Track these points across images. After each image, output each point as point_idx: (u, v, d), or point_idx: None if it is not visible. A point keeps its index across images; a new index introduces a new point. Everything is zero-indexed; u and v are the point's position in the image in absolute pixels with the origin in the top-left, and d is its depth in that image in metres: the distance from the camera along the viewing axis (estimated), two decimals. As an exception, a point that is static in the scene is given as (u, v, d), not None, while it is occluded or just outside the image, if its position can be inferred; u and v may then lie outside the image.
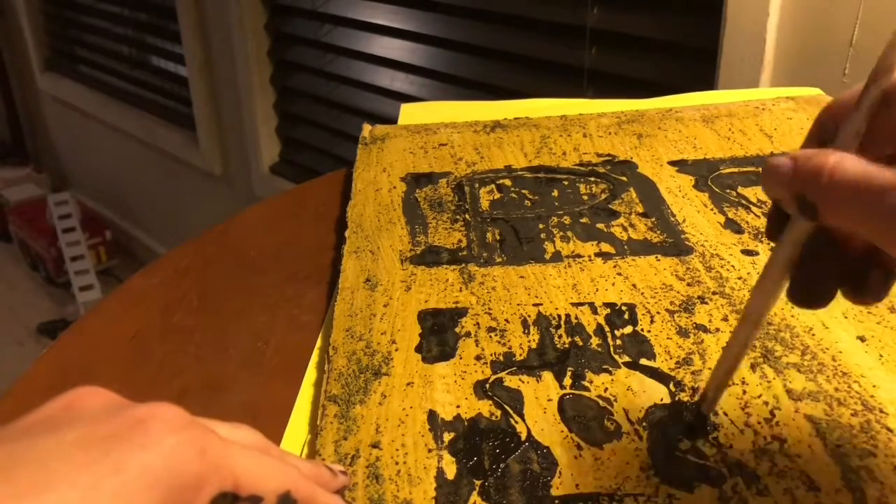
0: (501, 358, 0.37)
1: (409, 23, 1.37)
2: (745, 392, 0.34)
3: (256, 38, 1.66)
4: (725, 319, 0.38)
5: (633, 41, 1.04)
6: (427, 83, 1.38)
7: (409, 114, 0.68)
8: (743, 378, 0.35)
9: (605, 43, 1.07)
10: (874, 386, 0.34)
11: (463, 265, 0.45)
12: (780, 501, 0.28)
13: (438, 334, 0.39)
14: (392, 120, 0.68)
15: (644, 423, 0.33)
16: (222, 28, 1.71)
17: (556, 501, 0.29)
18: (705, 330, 0.38)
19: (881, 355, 0.35)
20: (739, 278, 0.42)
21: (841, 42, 0.76)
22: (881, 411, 0.32)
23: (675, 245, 0.45)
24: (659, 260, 0.44)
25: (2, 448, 0.21)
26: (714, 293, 0.41)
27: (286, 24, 1.63)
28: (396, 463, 0.31)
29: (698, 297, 0.40)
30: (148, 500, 0.21)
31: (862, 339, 0.37)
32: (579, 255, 0.45)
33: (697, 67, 0.94)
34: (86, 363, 0.41)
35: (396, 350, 0.38)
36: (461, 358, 0.37)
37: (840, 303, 0.39)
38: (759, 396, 0.33)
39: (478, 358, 0.37)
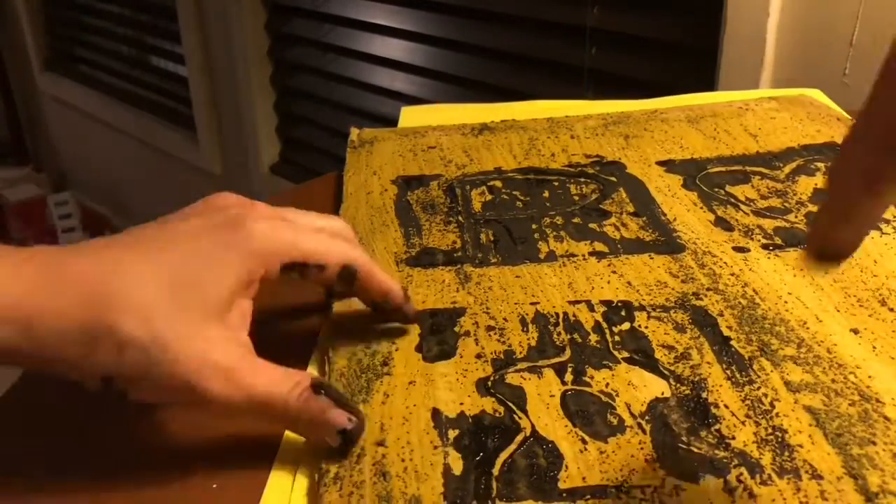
0: (502, 356, 0.37)
1: (409, 23, 1.38)
2: (743, 385, 0.34)
3: (256, 38, 1.66)
4: (721, 315, 0.39)
5: (633, 41, 1.05)
6: (427, 83, 1.39)
7: (410, 116, 0.69)
8: (741, 372, 0.35)
9: (605, 43, 1.08)
10: (869, 376, 0.34)
11: (458, 266, 0.45)
12: (784, 490, 0.29)
13: (438, 334, 0.39)
14: (392, 120, 0.68)
15: (647, 417, 0.33)
16: (222, 28, 1.71)
17: (564, 494, 0.29)
18: (702, 326, 0.38)
19: (874, 347, 0.36)
20: (732, 274, 0.42)
21: (841, 42, 0.78)
22: (878, 401, 0.33)
23: (667, 243, 0.46)
24: (652, 258, 0.44)
25: (162, 225, 0.34)
26: (708, 289, 0.41)
27: (286, 24, 1.63)
28: (403, 460, 0.31)
29: (693, 294, 0.41)
30: (236, 259, 0.32)
31: (855, 331, 0.37)
32: (573, 255, 0.45)
33: (697, 67, 0.95)
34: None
35: (396, 350, 0.38)
36: (462, 356, 0.37)
37: (832, 297, 0.40)
38: (758, 389, 0.34)
39: (478, 356, 0.37)
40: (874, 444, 0.31)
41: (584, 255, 0.45)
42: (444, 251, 0.47)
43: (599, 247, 0.46)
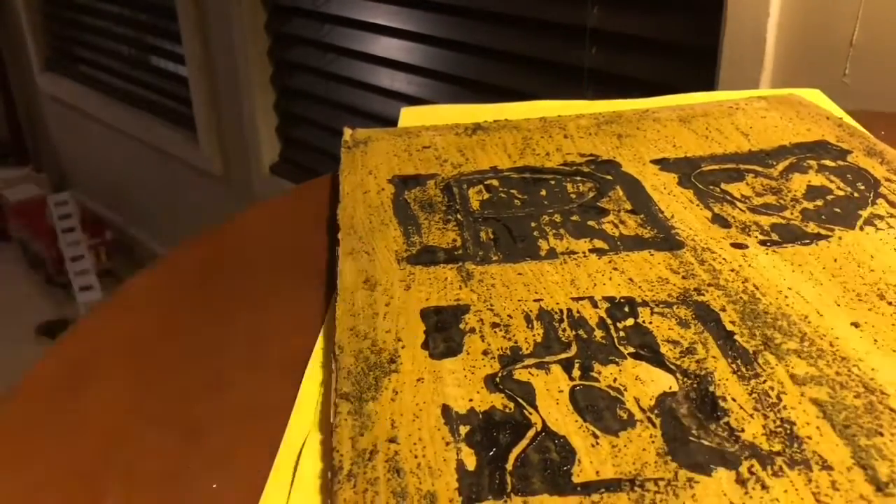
0: (508, 352, 0.37)
1: (409, 23, 1.38)
2: (750, 378, 0.35)
3: (256, 38, 1.66)
4: (724, 310, 0.39)
5: (633, 41, 1.06)
6: (427, 83, 1.39)
7: (409, 117, 0.69)
8: (747, 366, 0.35)
9: (605, 43, 1.08)
10: (872, 369, 0.35)
11: (460, 264, 0.45)
12: (796, 481, 0.29)
13: (443, 331, 0.39)
14: (392, 120, 0.68)
15: (656, 411, 0.33)
16: (222, 28, 1.71)
17: (579, 488, 0.30)
18: (705, 321, 0.39)
19: (875, 340, 0.37)
20: (732, 270, 0.43)
21: (841, 42, 0.79)
22: (882, 392, 0.33)
23: (666, 240, 0.46)
24: (652, 255, 0.45)
25: None
26: (709, 285, 0.42)
27: (286, 24, 1.64)
28: (416, 456, 0.31)
29: (694, 290, 0.41)
30: None
31: (856, 325, 0.38)
32: (574, 252, 0.46)
33: (697, 67, 0.96)
34: (87, 364, 0.40)
35: (403, 347, 0.38)
36: (468, 353, 0.37)
37: (831, 292, 0.40)
38: (765, 382, 0.34)
39: (485, 353, 0.37)
40: (881, 434, 0.31)
41: (584, 253, 0.45)
42: (445, 249, 0.47)
43: (599, 244, 0.46)
